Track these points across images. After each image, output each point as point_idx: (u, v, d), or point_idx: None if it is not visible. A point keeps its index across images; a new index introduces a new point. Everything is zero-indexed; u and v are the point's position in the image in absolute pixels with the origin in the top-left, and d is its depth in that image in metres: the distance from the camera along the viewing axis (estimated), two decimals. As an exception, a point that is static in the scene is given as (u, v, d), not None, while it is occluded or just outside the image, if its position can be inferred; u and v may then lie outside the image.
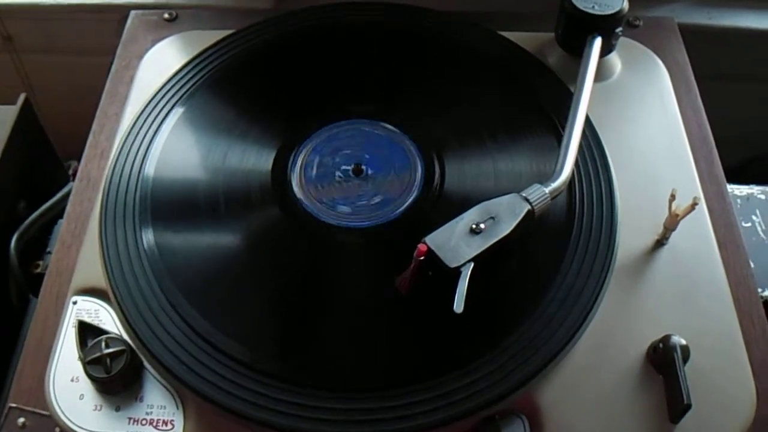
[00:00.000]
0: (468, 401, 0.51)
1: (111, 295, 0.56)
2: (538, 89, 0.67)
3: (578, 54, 0.67)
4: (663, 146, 0.66)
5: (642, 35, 0.76)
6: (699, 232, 0.61)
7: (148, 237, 0.58)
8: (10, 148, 0.71)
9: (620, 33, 0.69)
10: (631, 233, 0.60)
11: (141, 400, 0.53)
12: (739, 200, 0.72)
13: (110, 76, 0.74)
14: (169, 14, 0.78)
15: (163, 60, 0.73)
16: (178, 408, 0.53)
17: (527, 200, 0.54)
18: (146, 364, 0.54)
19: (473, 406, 0.50)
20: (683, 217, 0.58)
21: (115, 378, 0.52)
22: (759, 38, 0.89)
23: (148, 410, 0.53)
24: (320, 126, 0.66)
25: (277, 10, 0.82)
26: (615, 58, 0.72)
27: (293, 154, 0.64)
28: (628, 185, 0.62)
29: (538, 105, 0.66)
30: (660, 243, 0.60)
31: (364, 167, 0.63)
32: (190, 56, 0.70)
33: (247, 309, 0.56)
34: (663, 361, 0.53)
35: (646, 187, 0.63)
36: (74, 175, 0.71)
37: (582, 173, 0.61)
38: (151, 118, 0.66)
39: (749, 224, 0.70)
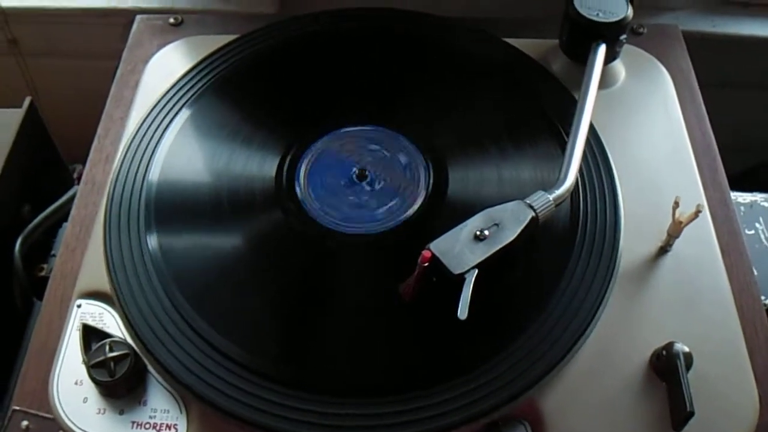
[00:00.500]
0: (471, 407, 0.51)
1: (115, 299, 0.56)
2: (542, 96, 0.67)
3: (582, 61, 0.67)
4: (666, 153, 0.66)
5: (646, 43, 0.76)
6: (702, 239, 0.61)
7: (152, 241, 0.58)
8: (15, 151, 0.71)
9: (624, 40, 0.69)
10: (635, 240, 0.60)
11: (144, 404, 0.53)
12: (742, 207, 0.72)
13: (115, 80, 0.74)
14: (175, 19, 0.79)
15: (168, 64, 0.73)
16: (181, 412, 0.53)
17: (531, 207, 0.54)
18: (150, 368, 0.54)
19: (476, 412, 0.51)
20: (687, 225, 0.58)
21: (119, 382, 0.52)
22: (762, 46, 0.89)
23: (152, 414, 0.53)
24: (324, 131, 0.66)
25: (281, 16, 0.82)
26: (619, 66, 0.72)
27: (297, 159, 0.64)
28: (632, 192, 0.62)
29: (542, 112, 0.66)
30: (663, 250, 0.60)
31: (368, 173, 0.63)
32: (195, 61, 0.71)
33: (251, 314, 0.56)
34: (666, 368, 0.53)
35: (650, 194, 0.63)
36: (79, 178, 0.72)
37: (586, 180, 0.62)
38: (156, 122, 0.66)
39: (752, 231, 0.70)
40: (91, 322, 0.56)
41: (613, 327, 0.56)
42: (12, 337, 0.67)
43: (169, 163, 0.63)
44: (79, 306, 0.57)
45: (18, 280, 0.69)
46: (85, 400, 0.53)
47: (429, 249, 0.51)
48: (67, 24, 0.92)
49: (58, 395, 0.54)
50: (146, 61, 0.74)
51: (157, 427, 0.52)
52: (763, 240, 0.70)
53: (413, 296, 0.52)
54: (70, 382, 0.54)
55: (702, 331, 0.56)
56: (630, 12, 0.67)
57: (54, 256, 0.71)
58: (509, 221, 0.53)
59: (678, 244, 0.60)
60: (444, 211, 0.61)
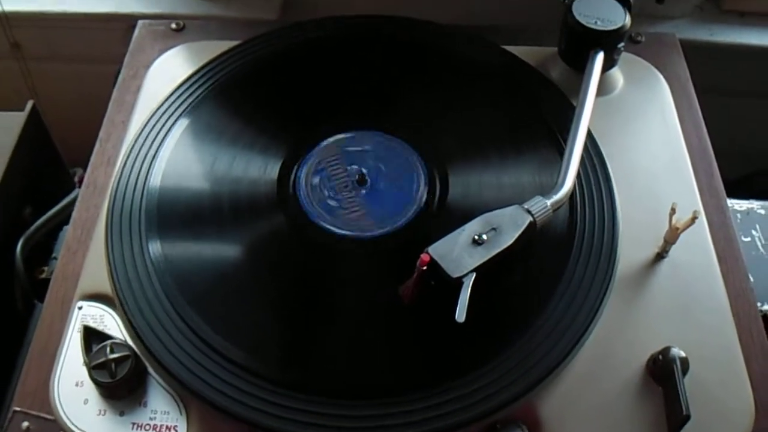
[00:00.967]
0: (469, 410, 0.51)
1: (116, 301, 0.57)
2: (541, 102, 0.68)
3: (581, 68, 0.68)
4: (664, 160, 0.67)
5: (644, 51, 0.76)
6: (699, 246, 0.62)
7: (153, 244, 0.59)
8: (17, 153, 0.72)
9: (622, 48, 0.70)
10: (632, 246, 0.61)
11: (145, 405, 0.54)
12: (739, 215, 0.72)
13: (117, 84, 0.74)
14: (177, 24, 0.79)
15: (169, 70, 0.73)
16: (181, 413, 0.53)
17: (529, 212, 0.55)
18: (150, 369, 0.55)
19: (475, 414, 0.51)
20: (683, 231, 0.59)
21: (120, 383, 0.53)
22: (759, 55, 0.90)
23: (152, 415, 0.53)
24: (325, 136, 0.66)
25: (282, 22, 0.83)
26: (617, 73, 0.73)
27: (298, 164, 0.65)
28: (629, 198, 0.63)
29: (540, 118, 0.67)
30: (660, 256, 0.61)
31: (368, 177, 0.64)
32: (197, 66, 0.71)
33: (251, 316, 0.56)
34: (662, 373, 0.54)
35: (647, 200, 0.64)
36: (80, 182, 0.72)
37: (584, 186, 0.62)
38: (158, 126, 0.66)
39: (749, 239, 0.71)
40: (92, 324, 0.57)
41: (610, 332, 0.57)
42: (12, 339, 0.68)
43: (171, 167, 0.64)
44: (80, 308, 0.58)
45: (19, 281, 0.69)
46: (86, 401, 0.54)
47: (428, 253, 0.51)
48: (69, 29, 0.93)
49: (58, 396, 0.54)
50: (148, 66, 0.75)
51: (158, 429, 0.53)
52: (760, 247, 0.70)
53: (412, 299, 0.53)
54: (71, 383, 0.54)
55: (698, 336, 0.57)
56: (628, 20, 0.68)
57: (55, 258, 0.71)
58: (507, 226, 0.54)
59: (674, 250, 0.60)
60: (443, 216, 0.61)
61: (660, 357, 0.54)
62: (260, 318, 0.56)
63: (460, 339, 0.53)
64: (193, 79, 0.70)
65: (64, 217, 0.73)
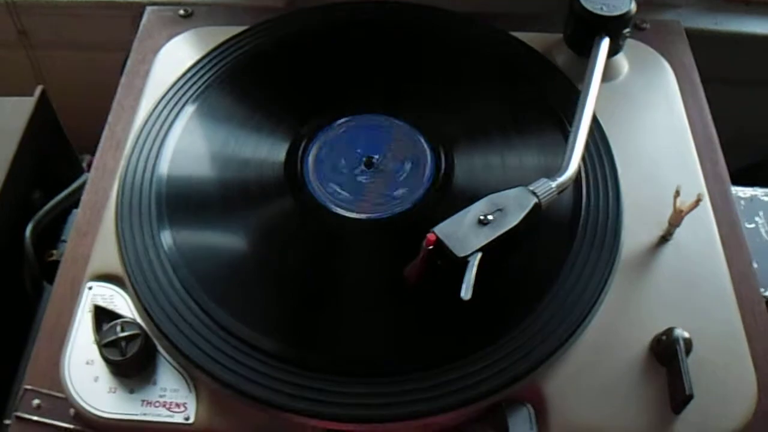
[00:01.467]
0: (474, 389, 0.52)
1: (127, 281, 0.57)
2: (547, 88, 0.68)
3: (586, 54, 0.68)
4: (668, 145, 0.67)
5: (649, 38, 0.77)
6: (703, 229, 0.62)
7: (163, 225, 0.59)
8: (27, 138, 0.72)
9: (628, 34, 0.70)
10: (636, 229, 0.61)
11: (155, 383, 0.54)
12: (742, 202, 0.72)
13: (126, 70, 0.75)
14: (184, 10, 0.79)
15: (177, 55, 0.74)
16: (190, 391, 0.54)
17: (534, 194, 0.55)
18: (160, 348, 0.55)
19: (479, 393, 0.52)
20: (687, 213, 0.59)
21: (130, 361, 0.53)
22: (764, 44, 0.90)
23: (162, 393, 0.54)
24: (332, 120, 0.67)
25: (290, 8, 0.83)
26: (622, 59, 0.73)
27: (306, 147, 0.65)
28: (634, 182, 0.63)
29: (546, 102, 0.67)
30: (664, 239, 0.61)
31: (375, 160, 0.64)
32: (205, 52, 0.72)
33: (260, 295, 0.57)
34: (666, 353, 0.54)
35: (651, 185, 0.64)
36: (89, 168, 0.72)
37: (588, 169, 0.63)
38: (167, 111, 0.67)
39: (752, 225, 0.71)
40: (102, 304, 0.57)
41: (614, 313, 0.57)
42: (22, 320, 0.68)
43: (180, 151, 0.64)
44: (90, 288, 0.58)
45: (28, 264, 0.70)
46: (96, 379, 0.54)
47: (434, 232, 0.52)
48: (77, 15, 0.93)
49: (69, 375, 0.55)
50: (156, 52, 0.75)
51: (167, 406, 0.53)
52: (763, 234, 0.70)
53: (418, 279, 0.53)
54: (81, 361, 0.55)
55: (701, 318, 0.57)
56: (633, 6, 0.68)
57: (64, 241, 0.72)
58: (513, 207, 0.54)
59: (678, 233, 0.61)
60: (449, 197, 0.62)
61: (663, 337, 0.55)
62: (269, 297, 0.57)
63: (465, 319, 0.54)
64: (201, 65, 0.70)
65: (73, 201, 0.74)
